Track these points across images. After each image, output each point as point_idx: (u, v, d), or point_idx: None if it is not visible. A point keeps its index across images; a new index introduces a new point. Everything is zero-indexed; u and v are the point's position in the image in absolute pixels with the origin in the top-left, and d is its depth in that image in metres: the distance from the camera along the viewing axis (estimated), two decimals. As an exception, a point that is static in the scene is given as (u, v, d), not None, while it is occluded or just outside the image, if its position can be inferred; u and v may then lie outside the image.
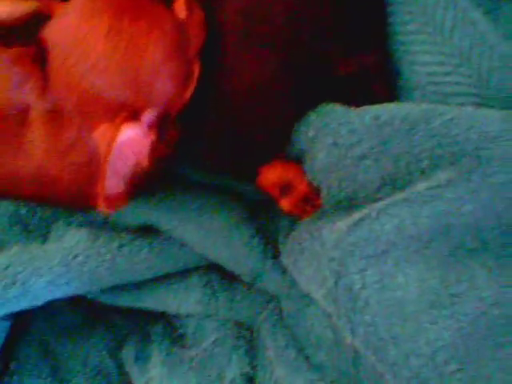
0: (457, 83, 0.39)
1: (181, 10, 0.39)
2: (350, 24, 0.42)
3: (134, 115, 0.37)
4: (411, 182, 0.36)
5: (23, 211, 0.46)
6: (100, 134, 0.37)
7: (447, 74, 0.39)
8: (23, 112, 0.41)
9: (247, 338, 0.45)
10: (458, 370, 0.34)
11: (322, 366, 0.40)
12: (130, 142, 0.36)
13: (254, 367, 0.43)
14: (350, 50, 0.43)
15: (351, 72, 0.42)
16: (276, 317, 0.45)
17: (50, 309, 0.45)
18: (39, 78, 0.37)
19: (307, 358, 0.41)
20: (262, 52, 0.42)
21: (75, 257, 0.43)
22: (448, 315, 0.34)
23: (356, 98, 0.41)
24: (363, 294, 0.36)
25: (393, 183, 0.37)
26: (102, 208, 0.36)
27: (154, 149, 0.38)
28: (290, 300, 0.44)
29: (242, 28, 0.41)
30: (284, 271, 0.45)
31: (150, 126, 0.38)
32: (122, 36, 0.37)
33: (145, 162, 0.38)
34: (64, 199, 0.45)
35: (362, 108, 0.39)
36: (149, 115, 0.38)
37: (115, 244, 0.45)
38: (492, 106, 0.38)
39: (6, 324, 0.44)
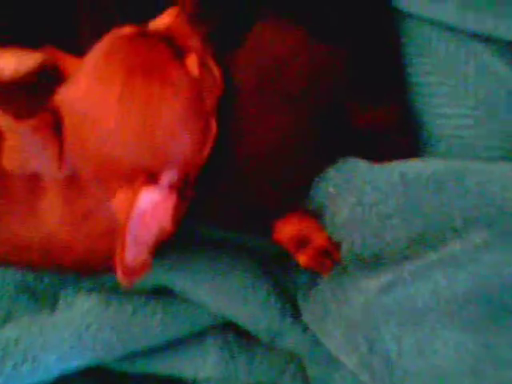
0: (481, 136, 0.38)
1: (194, 66, 0.37)
2: (367, 77, 0.41)
3: (152, 178, 0.35)
4: (443, 240, 0.35)
5: (30, 278, 0.45)
6: (119, 200, 0.35)
7: (471, 126, 0.39)
8: (36, 180, 0.39)
9: (270, 403, 0.43)
10: None
11: None
12: (151, 207, 0.35)
13: None
14: (369, 102, 0.42)
15: (371, 125, 0.41)
16: (300, 379, 0.43)
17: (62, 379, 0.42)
18: (56, 146, 0.36)
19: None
20: (278, 107, 0.41)
21: (87, 327, 0.42)
22: (492, 381, 0.33)
23: (378, 152, 0.40)
24: (400, 362, 0.34)
25: (423, 242, 0.36)
26: (123, 279, 0.34)
27: (176, 211, 0.36)
28: (315, 362, 0.43)
29: (257, 84, 0.40)
30: (305, 329, 0.44)
31: (171, 188, 0.36)
32: (135, 98, 0.36)
33: (168, 226, 0.36)
34: (76, 266, 0.43)
35: (386, 164, 0.38)
36: (168, 177, 0.37)
37: (129, 310, 0.43)
38: None
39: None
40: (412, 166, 0.37)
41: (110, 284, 0.45)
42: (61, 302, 0.44)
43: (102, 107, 0.36)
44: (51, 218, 0.40)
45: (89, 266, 0.44)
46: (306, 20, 0.41)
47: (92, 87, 0.36)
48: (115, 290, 0.45)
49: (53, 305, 0.44)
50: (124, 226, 0.34)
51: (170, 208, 0.36)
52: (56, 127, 0.36)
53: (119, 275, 0.34)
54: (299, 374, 0.43)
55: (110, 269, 0.43)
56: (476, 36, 0.38)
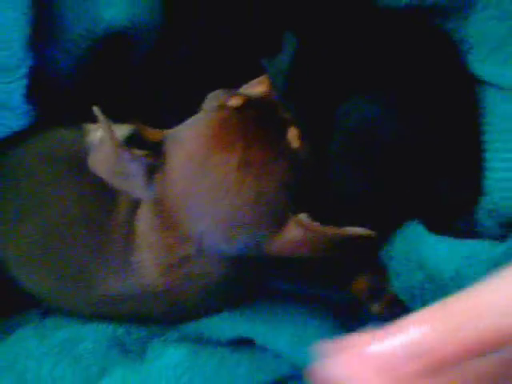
0: None
1: (294, 139, 0.41)
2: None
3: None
4: None
5: (120, 332, 0.46)
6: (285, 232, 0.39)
7: None
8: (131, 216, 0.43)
9: None
10: None
11: None
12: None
13: None
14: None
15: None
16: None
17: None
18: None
19: None
20: (359, 175, 0.44)
21: (179, 378, 0.43)
22: None
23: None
24: None
25: None
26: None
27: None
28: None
29: (344, 155, 0.44)
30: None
31: None
32: (251, 166, 0.39)
33: None
34: (166, 315, 0.46)
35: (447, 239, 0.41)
36: None
37: (217, 358, 0.45)
38: None
39: None
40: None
41: (194, 336, 0.47)
42: (148, 353, 0.46)
43: (220, 171, 0.39)
44: (147, 263, 0.43)
45: (179, 315, 0.46)
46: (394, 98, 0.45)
47: (204, 151, 0.39)
48: (199, 342, 0.47)
49: (141, 356, 0.46)
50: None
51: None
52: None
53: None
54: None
55: (198, 315, 0.46)
56: None
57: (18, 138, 0.48)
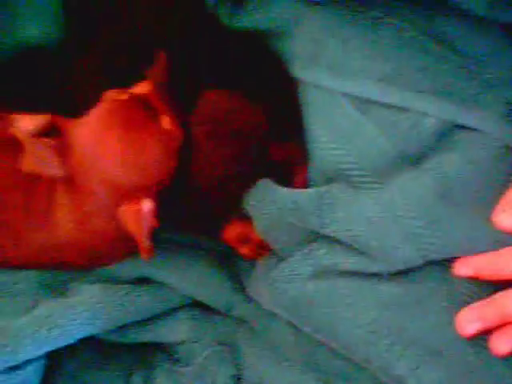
0: None
1: (166, 123, 0.55)
2: (279, 123, 0.60)
3: (146, 192, 0.54)
4: None
5: (46, 276, 0.60)
6: (126, 208, 0.53)
7: None
8: (51, 187, 0.56)
9: (230, 351, 0.60)
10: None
11: (290, 358, 0.57)
12: (149, 211, 0.53)
13: (240, 370, 0.59)
14: (280, 140, 0.61)
15: (282, 156, 0.61)
16: (249, 333, 0.61)
17: (74, 349, 0.58)
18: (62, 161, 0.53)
19: (279, 354, 0.57)
20: (221, 151, 0.58)
21: (95, 303, 0.57)
22: None
23: (285, 176, 0.59)
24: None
25: None
26: (145, 257, 0.52)
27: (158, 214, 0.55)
28: (258, 319, 0.61)
29: (210, 130, 0.59)
30: (250, 301, 0.62)
31: (154, 198, 0.55)
32: (130, 142, 0.54)
33: (155, 223, 0.54)
34: (81, 262, 0.60)
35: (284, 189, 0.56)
36: (153, 191, 0.55)
37: (123, 291, 0.59)
38: None
39: (44, 362, 0.56)
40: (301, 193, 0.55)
41: (105, 277, 0.61)
42: (69, 291, 0.59)
43: (106, 146, 0.53)
44: (63, 221, 0.56)
45: (91, 262, 0.60)
46: (238, 88, 0.61)
47: (98, 131, 0.53)
48: (108, 281, 0.61)
49: (64, 294, 0.59)
50: (140, 226, 0.52)
51: (155, 211, 0.55)
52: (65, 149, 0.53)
53: (144, 255, 0.52)
54: (249, 330, 0.61)
55: (108, 262, 0.60)
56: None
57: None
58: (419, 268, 0.50)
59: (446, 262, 0.49)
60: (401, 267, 0.50)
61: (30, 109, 0.56)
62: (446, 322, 0.47)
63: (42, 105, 0.58)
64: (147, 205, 0.53)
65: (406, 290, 0.50)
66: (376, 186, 0.51)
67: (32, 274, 0.59)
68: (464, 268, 0.48)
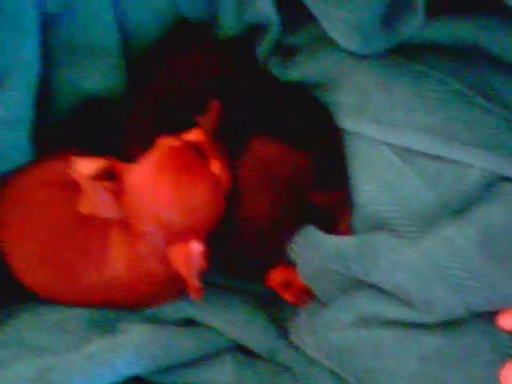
0: None
1: (216, 168, 0.58)
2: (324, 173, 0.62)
3: (196, 234, 0.56)
4: None
5: (96, 315, 0.62)
6: (177, 249, 0.55)
7: None
8: (105, 228, 0.58)
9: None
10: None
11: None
12: (199, 252, 0.55)
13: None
14: (324, 189, 0.62)
15: (325, 205, 0.62)
16: (291, 379, 0.61)
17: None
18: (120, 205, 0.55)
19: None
20: (267, 197, 0.60)
21: (142, 343, 0.59)
22: None
23: (327, 224, 0.60)
24: None
25: None
26: (195, 298, 0.54)
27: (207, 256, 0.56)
28: (301, 366, 0.61)
29: (254, 180, 0.60)
30: (293, 347, 0.62)
31: (203, 240, 0.57)
32: (182, 185, 0.56)
33: (205, 264, 0.56)
34: (131, 303, 0.62)
35: (327, 236, 0.56)
36: (203, 234, 0.57)
37: (168, 333, 0.60)
38: None
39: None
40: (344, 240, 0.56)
41: (151, 316, 0.62)
42: (117, 329, 0.61)
43: (159, 189, 0.55)
44: (117, 260, 0.59)
45: (141, 302, 0.62)
46: (285, 136, 0.63)
47: (152, 175, 0.56)
48: (155, 321, 0.62)
49: (112, 332, 0.61)
50: (190, 266, 0.54)
51: (205, 253, 0.56)
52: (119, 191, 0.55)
53: (194, 296, 0.54)
54: (290, 378, 0.61)
55: (157, 303, 0.62)
56: None
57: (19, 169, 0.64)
58: (463, 320, 0.50)
59: (491, 314, 0.49)
60: (444, 318, 0.50)
61: (90, 152, 0.59)
62: (489, 377, 0.47)
63: (99, 148, 0.62)
64: (197, 246, 0.55)
65: (450, 342, 0.50)
66: (418, 235, 0.52)
67: (82, 312, 0.61)
68: (509, 320, 0.47)
